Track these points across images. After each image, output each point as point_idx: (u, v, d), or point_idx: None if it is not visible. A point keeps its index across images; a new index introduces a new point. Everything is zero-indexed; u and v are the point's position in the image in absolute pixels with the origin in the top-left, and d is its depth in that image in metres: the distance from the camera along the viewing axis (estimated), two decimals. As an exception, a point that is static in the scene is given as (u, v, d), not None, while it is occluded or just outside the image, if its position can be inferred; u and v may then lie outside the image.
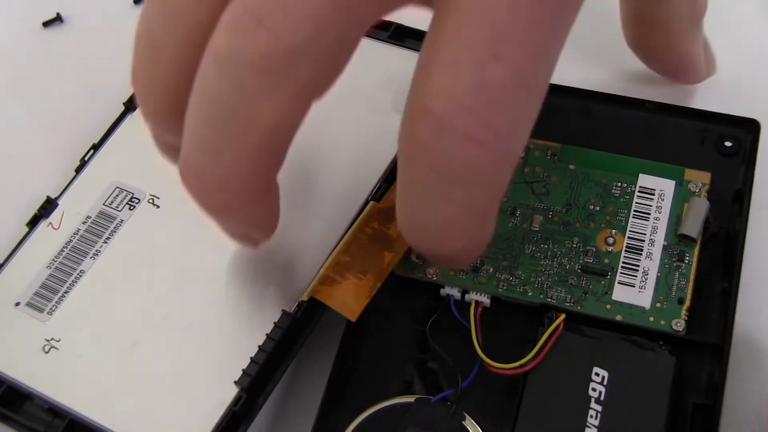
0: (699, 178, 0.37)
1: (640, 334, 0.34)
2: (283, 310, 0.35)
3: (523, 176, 0.38)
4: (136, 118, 0.42)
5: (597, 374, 0.33)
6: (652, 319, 0.34)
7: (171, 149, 0.31)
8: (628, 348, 0.34)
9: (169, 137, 0.29)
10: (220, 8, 0.25)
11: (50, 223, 0.40)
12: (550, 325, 0.34)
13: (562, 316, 0.35)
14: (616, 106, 0.39)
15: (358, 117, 0.40)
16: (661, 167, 0.37)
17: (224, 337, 0.36)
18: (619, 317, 0.35)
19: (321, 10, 0.24)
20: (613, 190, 0.37)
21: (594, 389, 0.33)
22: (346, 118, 0.40)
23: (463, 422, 0.33)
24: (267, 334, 0.35)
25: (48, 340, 0.37)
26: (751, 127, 0.38)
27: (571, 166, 0.38)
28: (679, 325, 0.34)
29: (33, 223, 0.41)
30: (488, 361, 0.34)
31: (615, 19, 0.39)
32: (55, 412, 0.36)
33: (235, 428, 0.34)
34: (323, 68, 0.25)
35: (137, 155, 0.41)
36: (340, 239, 0.36)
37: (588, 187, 0.37)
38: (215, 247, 0.37)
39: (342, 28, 0.25)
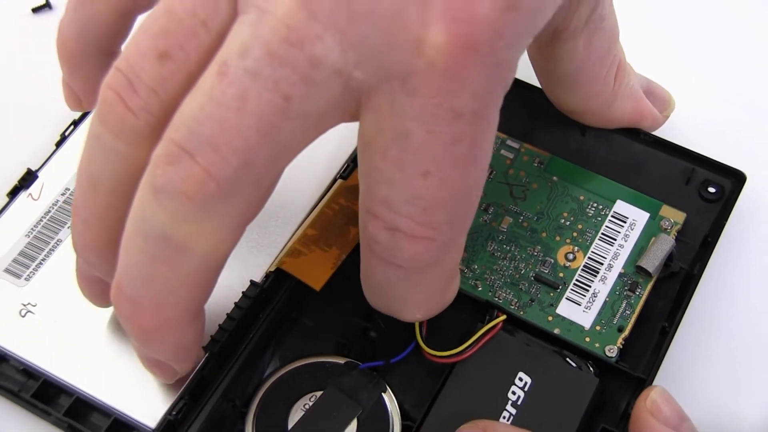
0: (673, 217, 0.38)
1: (573, 351, 0.35)
2: (251, 281, 0.37)
3: (506, 177, 0.39)
4: None
5: (521, 379, 0.35)
6: (588, 339, 0.35)
7: (94, 284, 0.33)
8: (557, 361, 0.35)
9: (97, 271, 0.31)
10: (152, 146, 0.27)
11: (30, 194, 0.41)
12: (489, 322, 0.36)
13: (503, 317, 0.36)
14: (613, 130, 0.40)
15: None
16: (640, 198, 0.38)
17: None
18: (557, 331, 0.36)
19: (248, 143, 0.26)
20: (588, 210, 0.38)
21: (514, 392, 0.34)
22: None
23: (383, 393, 0.35)
24: (235, 303, 0.36)
25: (24, 305, 0.38)
26: (736, 178, 0.38)
27: (555, 178, 0.39)
28: (612, 351, 0.35)
29: (13, 193, 0.41)
30: (422, 344, 0.35)
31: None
32: (29, 373, 0.37)
33: (202, 391, 0.35)
34: (255, 195, 0.27)
35: None
36: (308, 214, 0.38)
37: (564, 201, 0.38)
38: None
39: (271, 157, 0.26)
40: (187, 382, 0.35)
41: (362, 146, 0.28)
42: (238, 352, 0.36)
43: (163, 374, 0.33)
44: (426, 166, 0.27)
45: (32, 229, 0.40)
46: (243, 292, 0.36)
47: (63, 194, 0.41)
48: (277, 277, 0.37)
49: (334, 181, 0.39)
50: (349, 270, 0.37)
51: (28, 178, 0.41)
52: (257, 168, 0.26)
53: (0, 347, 0.37)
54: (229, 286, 0.37)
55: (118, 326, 0.37)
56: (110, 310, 0.37)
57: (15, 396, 0.37)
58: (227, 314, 0.36)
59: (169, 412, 0.34)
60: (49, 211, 0.40)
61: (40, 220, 0.40)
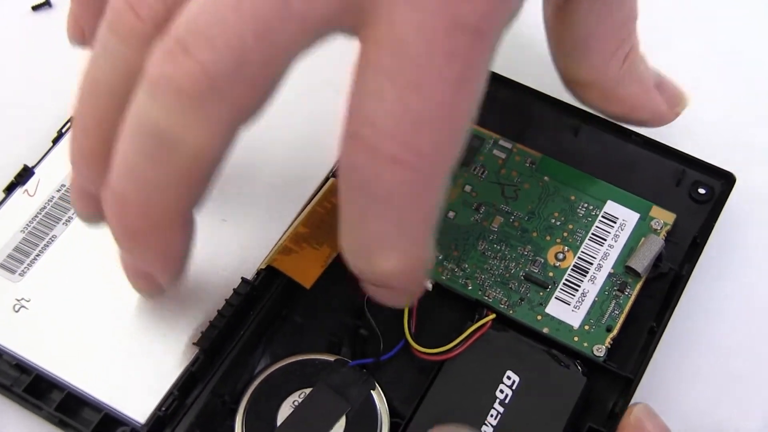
0: (663, 217, 0.38)
1: (562, 350, 0.36)
2: (242, 278, 0.37)
3: (498, 177, 0.39)
4: None
5: (509, 377, 0.35)
6: (576, 339, 0.36)
7: (87, 199, 0.33)
8: (545, 359, 0.35)
9: (91, 184, 0.31)
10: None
11: (26, 190, 0.42)
12: (478, 321, 0.36)
13: (492, 316, 0.36)
14: (605, 131, 0.40)
15: (323, 99, 0.41)
16: (631, 198, 0.38)
17: (186, 301, 0.38)
18: (546, 330, 0.36)
19: (243, 41, 0.26)
20: (579, 210, 0.38)
21: (502, 391, 0.35)
22: (312, 99, 0.42)
23: (372, 391, 0.35)
24: (226, 300, 0.37)
25: (18, 300, 0.39)
26: (726, 179, 0.38)
27: (546, 178, 0.39)
28: (600, 351, 0.35)
29: (10, 189, 0.42)
30: (411, 342, 0.36)
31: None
32: (21, 368, 0.38)
33: (192, 387, 0.36)
34: (249, 96, 0.27)
35: None
36: (300, 212, 0.38)
37: (555, 202, 0.39)
38: None
39: (266, 58, 0.26)
40: (176, 378, 0.36)
41: (357, 64, 0.27)
42: (229, 348, 0.36)
43: (147, 287, 0.34)
44: (420, 78, 0.26)
45: (27, 224, 0.40)
46: (234, 290, 0.37)
47: (59, 191, 0.41)
48: (268, 274, 0.37)
49: (327, 179, 0.39)
50: (340, 268, 0.37)
51: (25, 174, 0.42)
52: (252, 68, 0.26)
53: None
54: (221, 284, 0.38)
55: (110, 323, 0.38)
56: (100, 309, 0.38)
57: (8, 390, 0.37)
58: (218, 311, 0.36)
59: (158, 408, 0.35)
60: (45, 207, 0.41)
61: (36, 216, 0.41)
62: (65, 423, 0.36)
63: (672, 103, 0.39)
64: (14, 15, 0.49)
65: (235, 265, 0.38)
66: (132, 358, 0.37)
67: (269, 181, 0.40)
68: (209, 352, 0.36)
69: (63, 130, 0.43)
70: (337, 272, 0.37)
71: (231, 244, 0.39)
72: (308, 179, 0.40)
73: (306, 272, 0.37)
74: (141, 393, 0.36)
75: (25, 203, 0.41)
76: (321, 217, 0.38)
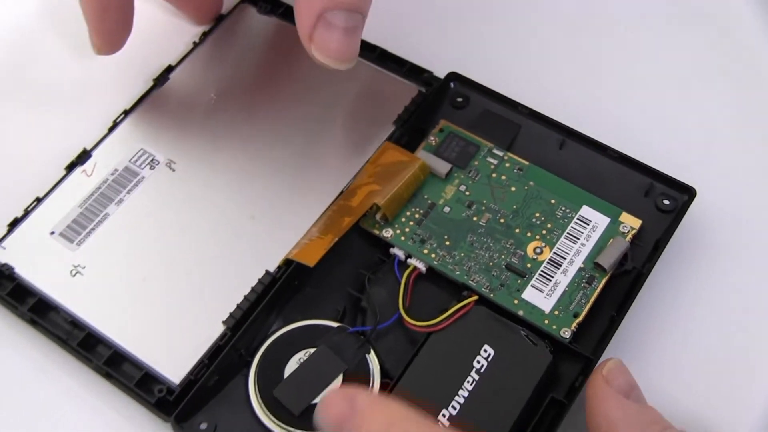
0: (631, 223, 0.43)
1: (533, 330, 0.41)
2: (266, 270, 0.43)
3: (489, 180, 0.45)
4: (162, 94, 0.50)
5: (485, 350, 0.40)
6: (546, 321, 0.41)
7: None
8: (518, 337, 0.41)
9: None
10: None
11: (84, 170, 0.47)
12: (462, 301, 0.42)
13: (475, 298, 0.42)
14: (586, 145, 0.46)
15: (350, 112, 0.48)
16: (603, 205, 0.44)
17: (217, 285, 0.44)
18: (521, 312, 0.41)
19: None
20: (557, 212, 0.44)
21: (479, 361, 0.40)
22: (338, 125, 0.48)
23: (367, 355, 0.41)
24: (252, 287, 0.43)
25: (75, 266, 0.44)
26: (689, 193, 0.44)
27: (531, 183, 0.45)
28: (566, 333, 0.41)
29: (70, 168, 0.47)
30: (404, 315, 0.41)
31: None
32: (75, 324, 0.43)
33: (216, 357, 0.41)
34: None
35: (161, 126, 0.49)
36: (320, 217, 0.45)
37: (537, 204, 0.44)
38: (219, 209, 0.46)
39: None
40: (206, 349, 0.41)
41: None
42: (249, 319, 0.42)
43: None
44: None
45: (85, 201, 0.46)
46: (259, 279, 0.43)
47: (112, 174, 0.47)
48: (287, 267, 0.43)
49: (341, 193, 0.45)
50: (346, 250, 0.43)
51: (84, 156, 0.47)
52: None
53: (52, 300, 0.43)
54: (248, 273, 0.43)
55: (154, 295, 0.43)
56: (145, 282, 0.44)
57: (63, 343, 0.43)
58: (244, 296, 0.42)
59: (191, 373, 0.41)
60: (100, 188, 0.46)
61: (92, 194, 0.46)
62: (111, 375, 0.42)
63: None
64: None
65: (260, 257, 0.44)
66: (171, 328, 0.42)
67: (294, 183, 0.46)
68: (234, 330, 0.42)
69: (117, 120, 0.49)
70: (345, 251, 0.43)
71: (258, 238, 0.45)
72: (330, 184, 0.46)
73: (310, 254, 0.43)
74: (177, 359, 0.41)
75: (83, 182, 0.47)
76: (334, 219, 0.44)
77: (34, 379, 0.43)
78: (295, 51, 0.49)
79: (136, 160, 0.47)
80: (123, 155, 0.47)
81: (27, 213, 0.46)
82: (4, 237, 0.45)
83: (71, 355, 0.43)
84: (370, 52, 0.50)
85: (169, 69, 0.51)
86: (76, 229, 0.45)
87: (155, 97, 0.50)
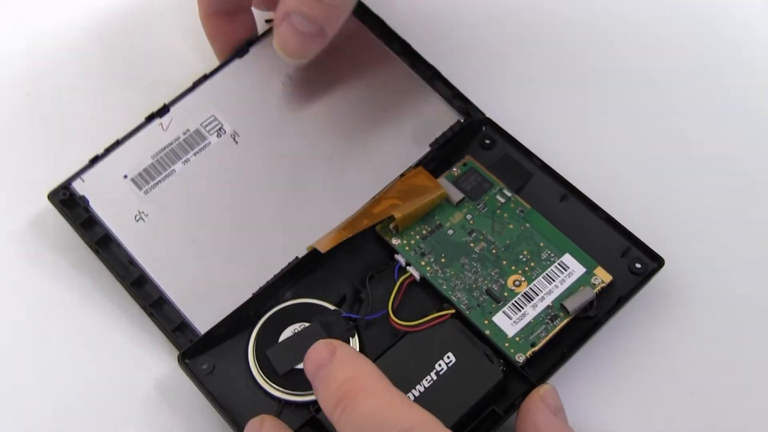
0: (602, 276, 0.50)
1: (493, 350, 0.48)
2: (296, 257, 0.50)
3: (493, 215, 0.52)
4: (241, 66, 0.54)
5: (448, 357, 0.47)
6: (507, 344, 0.48)
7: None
8: (479, 353, 0.47)
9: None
10: None
11: (161, 122, 0.51)
12: (441, 311, 0.49)
13: (452, 311, 0.49)
14: (582, 202, 0.52)
15: (389, 135, 0.54)
16: (583, 256, 0.50)
17: (256, 255, 0.50)
18: (487, 332, 0.48)
19: None
20: (542, 254, 0.50)
21: (440, 365, 0.47)
22: (382, 132, 0.54)
23: (351, 338, 0.49)
24: (282, 268, 0.49)
25: (140, 212, 0.49)
26: (658, 261, 0.50)
27: (527, 224, 0.51)
28: (520, 357, 0.48)
29: (149, 118, 0.51)
30: (390, 313, 0.49)
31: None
32: (133, 263, 0.48)
33: (245, 312, 0.48)
34: None
35: (234, 96, 0.53)
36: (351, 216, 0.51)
37: (528, 243, 0.51)
38: (268, 188, 0.51)
39: None
40: (232, 311, 0.48)
41: None
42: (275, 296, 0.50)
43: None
44: None
45: (157, 153, 0.51)
46: (289, 262, 0.49)
47: (184, 133, 0.51)
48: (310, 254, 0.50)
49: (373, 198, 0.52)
50: (359, 247, 0.51)
51: (163, 110, 0.52)
52: None
53: (117, 237, 0.49)
54: (282, 254, 0.50)
55: (202, 250, 0.50)
56: (195, 241, 0.50)
57: (120, 278, 0.49)
58: (274, 274, 0.49)
59: (215, 328, 0.48)
60: (172, 144, 0.51)
61: (164, 149, 0.51)
62: (154, 317, 0.48)
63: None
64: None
65: (296, 238, 0.50)
66: (210, 284, 0.49)
67: (336, 181, 0.53)
68: (256, 300, 0.49)
69: (197, 83, 0.53)
70: (358, 249, 0.51)
71: (297, 221, 0.51)
72: (367, 186, 0.52)
73: (326, 243, 0.49)
74: (208, 314, 0.48)
75: (158, 135, 0.51)
76: (356, 218, 0.51)
77: (79, 302, 0.50)
78: (361, 55, 0.55)
79: (207, 125, 0.51)
80: (196, 117, 0.51)
81: (107, 152, 0.50)
82: (85, 170, 0.50)
83: (125, 292, 0.49)
84: (427, 69, 0.55)
85: (250, 42, 0.54)
86: (146, 178, 0.50)
87: (234, 67, 0.53)
